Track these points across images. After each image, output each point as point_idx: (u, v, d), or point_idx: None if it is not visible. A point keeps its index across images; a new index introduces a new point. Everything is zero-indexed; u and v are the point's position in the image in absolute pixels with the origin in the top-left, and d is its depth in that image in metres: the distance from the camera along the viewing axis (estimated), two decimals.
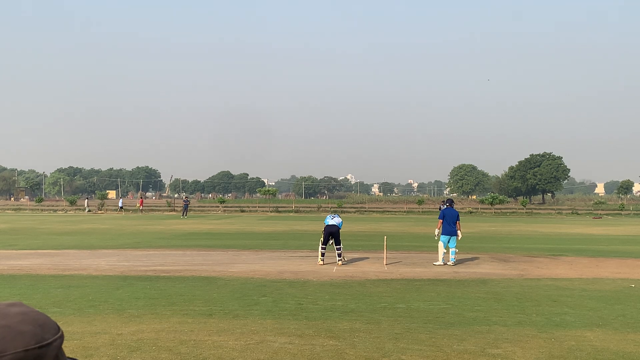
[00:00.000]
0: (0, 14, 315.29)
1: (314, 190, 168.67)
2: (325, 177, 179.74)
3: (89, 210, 56.69)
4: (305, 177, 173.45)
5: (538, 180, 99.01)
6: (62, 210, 59.90)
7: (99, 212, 56.25)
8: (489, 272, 12.45)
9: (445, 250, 13.97)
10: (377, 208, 69.55)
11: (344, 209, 61.19)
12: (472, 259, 15.15)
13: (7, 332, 0.81)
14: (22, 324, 0.84)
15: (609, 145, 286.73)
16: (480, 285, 10.54)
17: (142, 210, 55.29)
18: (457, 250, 14.33)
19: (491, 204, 63.59)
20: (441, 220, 14.21)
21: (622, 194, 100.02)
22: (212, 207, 68.45)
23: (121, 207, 55.98)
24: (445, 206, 14.73)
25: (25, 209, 61.62)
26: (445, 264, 13.73)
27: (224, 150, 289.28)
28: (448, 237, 14.01)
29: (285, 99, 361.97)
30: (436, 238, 14.37)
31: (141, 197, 58.66)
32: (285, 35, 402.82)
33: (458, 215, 14.43)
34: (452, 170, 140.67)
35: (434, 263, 13.87)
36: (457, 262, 14.13)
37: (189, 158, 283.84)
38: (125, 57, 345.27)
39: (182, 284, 10.35)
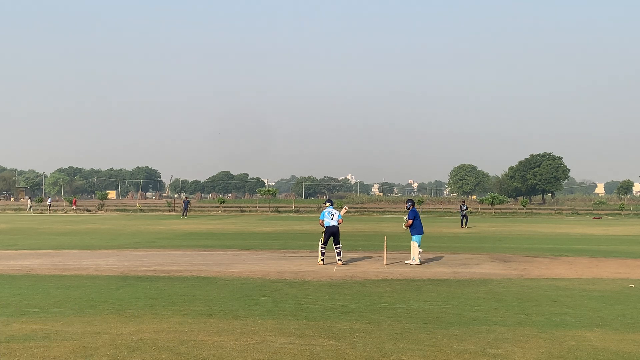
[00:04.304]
0: (0, 11, 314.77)
1: (314, 190, 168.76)
2: (325, 177, 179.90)
3: (31, 209, 57.52)
4: (305, 177, 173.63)
5: (538, 180, 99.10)
6: (62, 210, 59.98)
7: (99, 212, 56.40)
8: (489, 272, 12.46)
9: (421, 250, 14.02)
10: (377, 208, 69.64)
11: None
12: (472, 259, 15.16)
13: None
14: None
15: (609, 145, 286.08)
16: (480, 285, 10.54)
17: (75, 210, 56.33)
18: None
19: (491, 204, 63.67)
20: (411, 220, 14.23)
21: (622, 194, 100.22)
22: (212, 207, 68.52)
23: (50, 206, 57.70)
24: (413, 206, 14.74)
25: (25, 209, 61.64)
26: (421, 263, 13.82)
27: (224, 150, 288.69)
28: (421, 235, 14.14)
29: (285, 98, 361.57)
30: (404, 226, 14.36)
31: (74, 198, 60.85)
32: (285, 34, 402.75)
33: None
34: (452, 171, 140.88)
35: (410, 262, 13.89)
36: (458, 263, 14.19)
37: (189, 158, 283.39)
38: (126, 57, 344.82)
39: (182, 284, 10.36)
